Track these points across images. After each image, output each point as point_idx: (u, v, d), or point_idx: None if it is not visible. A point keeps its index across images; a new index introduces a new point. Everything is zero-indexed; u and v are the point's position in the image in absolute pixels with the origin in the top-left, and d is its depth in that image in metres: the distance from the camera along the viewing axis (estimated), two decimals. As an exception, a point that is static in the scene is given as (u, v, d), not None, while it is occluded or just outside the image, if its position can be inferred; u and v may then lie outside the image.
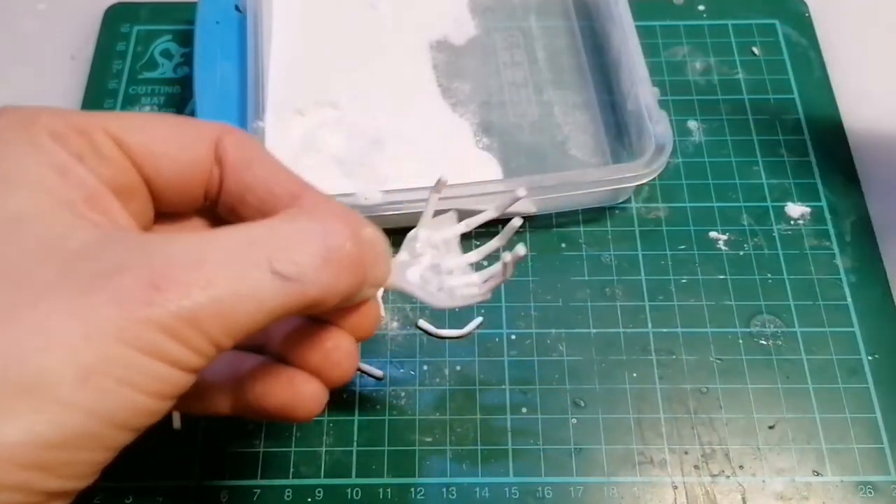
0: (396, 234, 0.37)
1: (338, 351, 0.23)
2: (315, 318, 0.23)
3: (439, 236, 0.26)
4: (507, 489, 0.31)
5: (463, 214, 0.27)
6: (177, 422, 0.32)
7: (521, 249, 0.24)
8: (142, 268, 0.17)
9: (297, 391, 0.22)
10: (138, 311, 0.16)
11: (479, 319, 0.34)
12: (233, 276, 0.17)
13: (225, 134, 0.22)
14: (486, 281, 0.26)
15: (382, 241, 0.22)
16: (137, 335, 0.16)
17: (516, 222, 0.26)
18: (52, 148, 0.18)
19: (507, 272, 0.25)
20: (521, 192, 0.25)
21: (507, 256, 0.24)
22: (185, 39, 0.43)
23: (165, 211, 0.22)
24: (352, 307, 0.22)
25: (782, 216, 0.38)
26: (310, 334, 0.23)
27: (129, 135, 0.20)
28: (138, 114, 0.21)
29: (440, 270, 0.25)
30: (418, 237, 0.25)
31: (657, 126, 0.35)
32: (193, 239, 0.18)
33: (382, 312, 0.25)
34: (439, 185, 0.25)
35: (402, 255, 0.25)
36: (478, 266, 0.27)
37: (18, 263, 0.16)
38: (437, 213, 0.26)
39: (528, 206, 0.36)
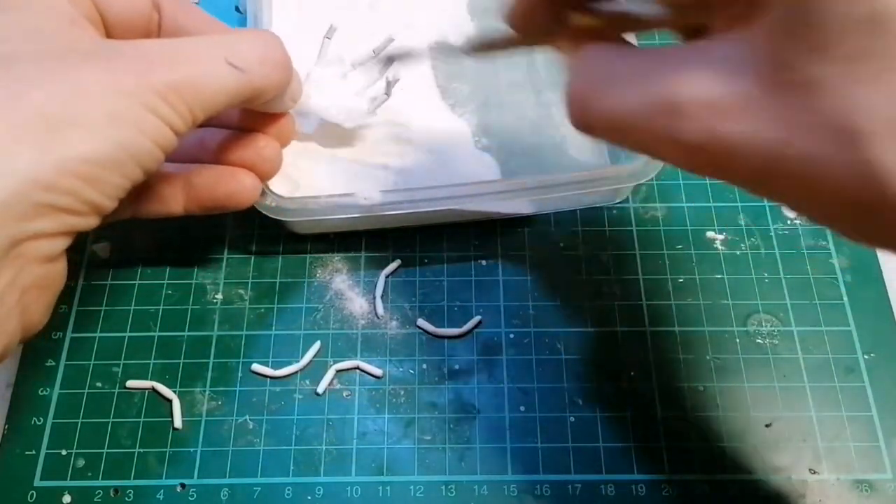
0: (396, 234, 0.37)
1: (268, 148, 0.30)
2: (246, 130, 0.31)
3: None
4: (505, 487, 0.31)
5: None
6: (177, 421, 0.32)
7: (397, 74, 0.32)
8: (139, 54, 0.24)
9: (240, 181, 0.30)
10: (144, 79, 0.23)
11: (477, 318, 0.35)
12: (202, 62, 0.24)
13: None
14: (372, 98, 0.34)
15: (298, 74, 0.30)
16: (143, 95, 0.23)
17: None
18: None
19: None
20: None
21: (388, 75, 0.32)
22: (186, 40, 0.43)
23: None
24: (275, 115, 0.30)
25: (779, 216, 0.38)
26: (244, 138, 0.30)
27: None
28: None
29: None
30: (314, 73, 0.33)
31: (655, 126, 0.36)
32: (170, 41, 0.25)
33: (297, 126, 0.33)
34: (330, 30, 0.33)
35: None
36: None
37: (52, 50, 0.23)
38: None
39: (526, 206, 0.37)
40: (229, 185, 0.30)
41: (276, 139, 0.31)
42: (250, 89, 0.26)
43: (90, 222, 0.23)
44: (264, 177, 0.31)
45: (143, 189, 0.29)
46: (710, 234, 0.37)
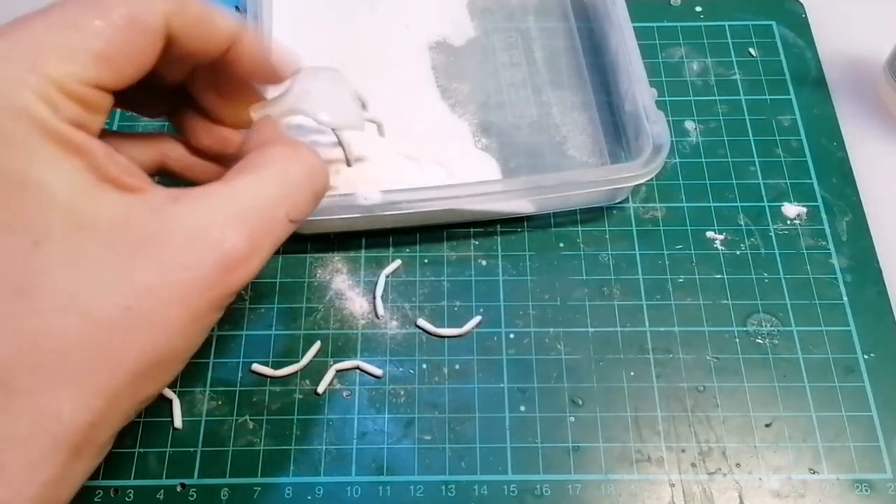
0: (396, 234, 0.37)
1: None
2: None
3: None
4: (505, 487, 0.31)
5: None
6: (177, 421, 0.32)
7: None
8: (213, 257, 0.21)
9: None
10: (219, 290, 0.21)
11: (477, 318, 0.35)
12: (271, 238, 0.22)
13: (176, 22, 0.22)
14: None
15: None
16: (220, 304, 0.21)
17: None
18: (52, 122, 0.19)
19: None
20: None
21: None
22: (186, 40, 0.43)
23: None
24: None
25: (779, 216, 0.38)
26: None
27: (98, 76, 0.20)
28: (88, 36, 0.20)
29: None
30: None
31: (655, 126, 0.36)
32: (235, 211, 0.22)
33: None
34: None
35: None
36: None
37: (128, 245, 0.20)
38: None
39: (526, 206, 0.37)
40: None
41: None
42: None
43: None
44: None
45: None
46: (709, 234, 0.37)
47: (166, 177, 0.28)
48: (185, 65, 0.25)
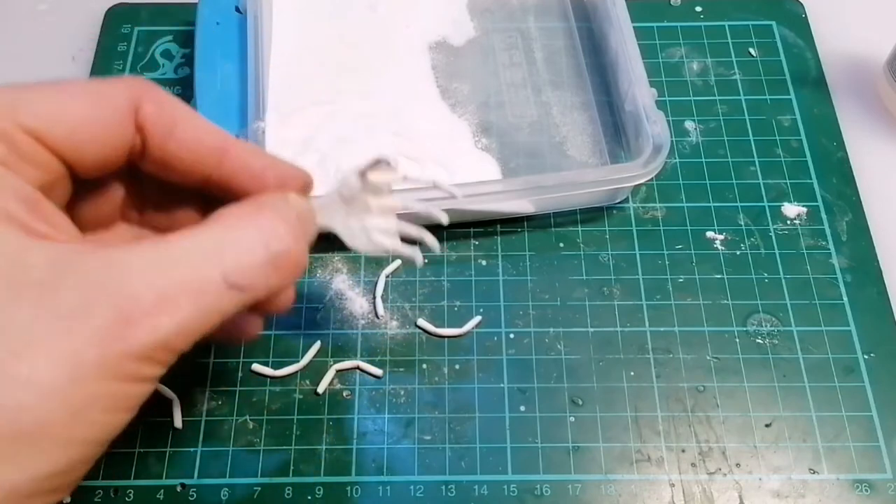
0: (396, 233, 0.37)
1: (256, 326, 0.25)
2: None
3: (376, 178, 0.26)
4: (505, 486, 0.31)
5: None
6: (177, 421, 0.32)
7: (433, 243, 0.27)
8: (110, 303, 0.18)
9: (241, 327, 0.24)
10: (115, 347, 0.17)
11: (477, 318, 0.35)
12: (194, 297, 0.19)
13: (143, 98, 0.21)
14: (402, 238, 0.27)
15: (311, 211, 0.24)
16: (117, 368, 0.18)
17: (442, 218, 0.28)
18: None
19: (417, 255, 0.27)
20: (456, 192, 0.28)
21: (412, 228, 0.27)
22: (186, 40, 0.43)
23: (86, 179, 0.22)
24: None
25: (779, 216, 0.38)
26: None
27: (48, 129, 0.20)
28: (46, 88, 0.20)
29: (368, 210, 0.27)
30: (352, 178, 0.26)
31: (654, 126, 0.36)
32: (150, 263, 0.19)
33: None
34: (381, 161, 0.26)
35: (333, 194, 0.26)
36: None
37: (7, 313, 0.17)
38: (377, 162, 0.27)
39: (526, 206, 0.37)
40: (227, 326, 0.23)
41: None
42: (252, 301, 0.20)
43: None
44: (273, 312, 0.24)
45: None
46: (709, 234, 0.37)
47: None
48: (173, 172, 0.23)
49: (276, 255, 0.21)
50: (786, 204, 0.38)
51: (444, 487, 0.31)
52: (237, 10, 0.41)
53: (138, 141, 0.22)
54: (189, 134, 0.22)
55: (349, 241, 0.26)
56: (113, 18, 0.44)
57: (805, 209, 0.38)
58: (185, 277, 0.19)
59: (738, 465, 0.32)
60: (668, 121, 0.36)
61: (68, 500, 0.31)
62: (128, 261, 0.19)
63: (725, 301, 0.35)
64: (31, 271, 0.18)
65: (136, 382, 0.18)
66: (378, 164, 0.25)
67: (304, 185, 0.24)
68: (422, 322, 0.35)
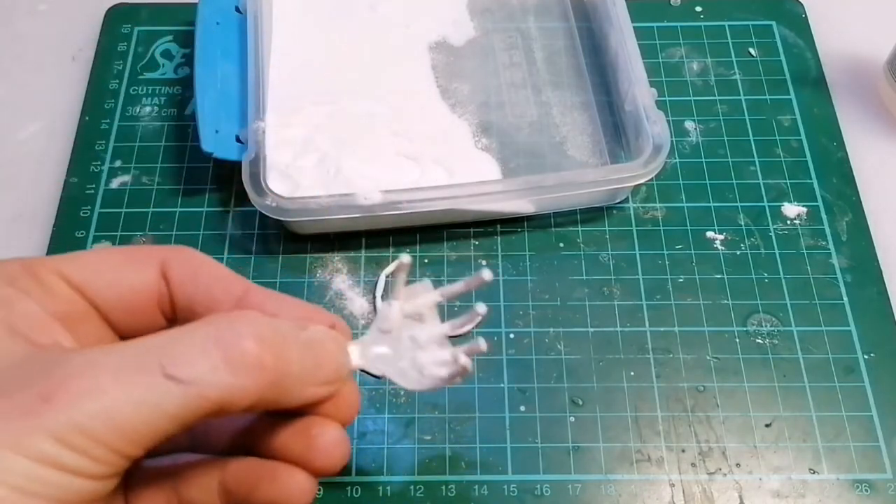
0: (396, 234, 0.37)
1: (323, 437, 0.22)
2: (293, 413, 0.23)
3: (413, 305, 0.25)
4: (505, 486, 0.31)
5: (434, 284, 0.26)
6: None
7: (480, 309, 0.24)
8: (41, 381, 0.18)
9: (283, 485, 0.22)
10: (28, 422, 0.17)
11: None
12: (123, 382, 0.18)
13: (171, 253, 0.23)
14: (456, 360, 0.24)
15: (332, 339, 0.23)
16: (30, 445, 0.17)
17: (480, 308, 0.25)
18: (1, 288, 0.21)
19: (461, 370, 0.24)
20: (487, 275, 0.24)
21: (462, 353, 0.24)
22: (186, 40, 0.43)
23: (127, 333, 0.23)
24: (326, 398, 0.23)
25: (779, 216, 0.38)
26: (291, 425, 0.23)
27: (75, 272, 0.22)
28: (90, 252, 0.24)
29: (415, 343, 0.24)
30: (391, 311, 0.24)
31: (654, 126, 0.36)
32: (96, 350, 0.19)
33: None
34: (402, 265, 0.24)
35: (373, 331, 0.25)
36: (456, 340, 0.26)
37: None
38: (410, 282, 0.25)
39: (526, 206, 0.37)
40: (268, 489, 0.22)
41: (336, 418, 0.23)
42: (206, 405, 0.18)
43: None
44: (320, 472, 0.23)
45: (163, 496, 0.23)
46: (709, 234, 0.37)
47: None
48: None
49: (227, 349, 0.19)
50: (786, 204, 0.38)
51: (444, 487, 0.31)
52: (237, 10, 0.41)
53: (166, 293, 0.23)
54: (207, 279, 0.23)
55: (405, 385, 0.24)
56: (113, 18, 0.44)
57: (805, 209, 0.38)
58: (119, 364, 0.18)
59: (738, 465, 0.32)
60: (668, 121, 0.36)
61: None
62: (81, 353, 0.19)
63: (725, 301, 0.35)
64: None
65: (59, 471, 0.17)
66: (401, 268, 0.24)
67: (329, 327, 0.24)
68: (422, 322, 0.35)
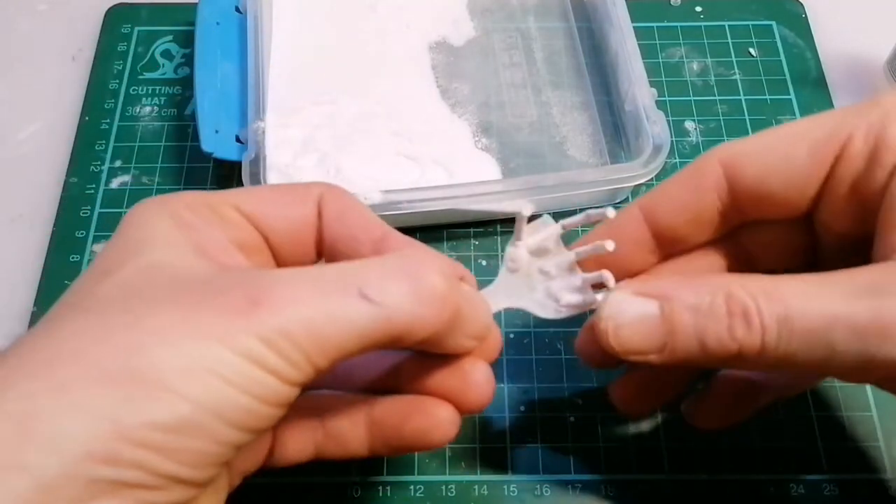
0: (396, 233, 0.37)
1: (476, 373, 0.24)
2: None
3: (536, 241, 0.25)
4: (505, 487, 0.31)
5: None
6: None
7: (609, 245, 0.24)
8: (248, 287, 0.19)
9: (433, 416, 0.24)
10: (238, 321, 0.18)
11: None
12: (322, 297, 0.19)
13: (325, 190, 0.24)
14: (591, 286, 0.25)
15: (476, 294, 0.24)
16: (237, 341, 0.18)
17: (609, 212, 0.25)
18: (185, 215, 0.22)
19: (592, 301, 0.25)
20: (610, 212, 0.25)
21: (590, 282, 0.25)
22: (186, 40, 0.43)
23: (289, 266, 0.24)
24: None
25: (779, 216, 0.38)
26: (443, 362, 0.24)
27: (250, 205, 0.23)
28: (260, 187, 0.27)
29: (546, 275, 0.25)
30: (518, 252, 0.25)
31: (654, 126, 0.36)
32: (293, 269, 0.20)
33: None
34: (520, 216, 0.25)
35: (502, 276, 0.26)
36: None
37: (152, 293, 0.19)
38: (531, 218, 0.25)
39: (526, 207, 0.37)
40: (418, 420, 0.24)
41: (482, 358, 0.24)
42: (391, 329, 0.20)
43: (176, 495, 0.19)
44: (469, 408, 0.24)
45: (310, 428, 0.25)
46: (709, 234, 0.37)
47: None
48: None
49: (420, 280, 0.20)
50: (786, 204, 0.38)
51: (444, 487, 0.31)
52: (237, 10, 0.41)
53: (319, 224, 0.24)
54: (353, 219, 0.24)
55: (546, 315, 0.25)
56: (113, 18, 0.44)
57: (805, 209, 0.38)
58: (319, 280, 0.20)
59: (738, 464, 0.32)
60: (668, 121, 0.36)
61: None
62: (280, 270, 0.20)
63: (725, 301, 0.35)
64: (190, 275, 0.20)
65: (261, 369, 0.18)
66: (520, 218, 0.25)
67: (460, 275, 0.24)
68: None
